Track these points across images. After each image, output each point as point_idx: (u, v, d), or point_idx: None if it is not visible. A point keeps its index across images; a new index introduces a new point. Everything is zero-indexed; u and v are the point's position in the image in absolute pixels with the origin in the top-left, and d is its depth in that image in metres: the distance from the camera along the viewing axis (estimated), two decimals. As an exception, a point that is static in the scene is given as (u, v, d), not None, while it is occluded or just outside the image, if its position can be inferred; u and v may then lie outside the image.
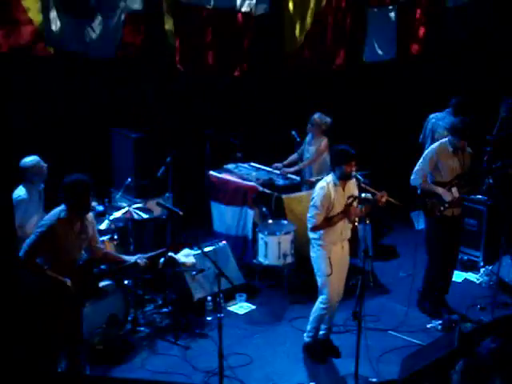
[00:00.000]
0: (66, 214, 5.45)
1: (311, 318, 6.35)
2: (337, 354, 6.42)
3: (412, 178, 7.01)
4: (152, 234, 7.61)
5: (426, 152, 7.06)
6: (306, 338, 6.46)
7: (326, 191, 6.02)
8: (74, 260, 5.59)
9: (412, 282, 7.71)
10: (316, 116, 8.14)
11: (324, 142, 8.17)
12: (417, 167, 7.01)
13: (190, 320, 7.00)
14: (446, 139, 6.98)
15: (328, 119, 8.16)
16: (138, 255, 6.07)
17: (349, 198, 6.09)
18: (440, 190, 6.90)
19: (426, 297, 7.25)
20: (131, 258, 6.04)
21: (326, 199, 6.00)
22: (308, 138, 8.29)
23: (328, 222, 6.04)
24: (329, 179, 6.10)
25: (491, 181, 7.23)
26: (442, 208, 6.91)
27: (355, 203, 6.09)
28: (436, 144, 7.06)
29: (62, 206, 5.48)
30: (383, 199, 6.04)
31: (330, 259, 6.10)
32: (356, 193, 6.20)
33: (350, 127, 9.52)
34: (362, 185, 6.15)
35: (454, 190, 6.94)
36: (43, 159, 6.68)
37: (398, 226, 8.94)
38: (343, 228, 6.16)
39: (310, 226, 6.12)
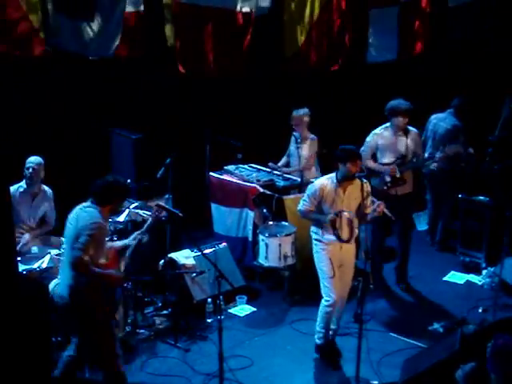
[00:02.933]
0: (101, 214, 5.29)
1: (318, 319, 6.31)
2: (338, 356, 6.38)
3: None
4: (152, 236, 7.56)
5: (368, 135, 7.47)
6: (316, 339, 6.40)
7: (319, 187, 6.06)
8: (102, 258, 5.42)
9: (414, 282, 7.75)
10: (293, 113, 8.12)
11: (315, 141, 8.17)
12: (362, 147, 7.37)
13: (190, 322, 6.97)
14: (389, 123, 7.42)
15: (305, 109, 8.13)
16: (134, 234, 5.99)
17: (339, 212, 6.03)
18: (380, 167, 7.36)
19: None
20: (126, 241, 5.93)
21: (316, 195, 6.07)
22: (295, 138, 8.16)
23: (307, 216, 6.21)
24: (330, 177, 6.10)
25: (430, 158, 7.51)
26: (384, 187, 7.26)
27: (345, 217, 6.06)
28: (378, 128, 7.46)
29: (95, 207, 5.29)
30: (379, 209, 6.05)
31: (323, 257, 6.09)
32: (358, 196, 6.10)
33: (350, 128, 9.51)
34: (365, 191, 6.10)
35: (395, 168, 7.30)
36: (43, 160, 6.71)
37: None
38: (339, 229, 6.08)
39: (298, 207, 6.29)
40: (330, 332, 6.38)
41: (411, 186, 7.51)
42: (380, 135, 7.42)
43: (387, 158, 7.38)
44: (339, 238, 6.06)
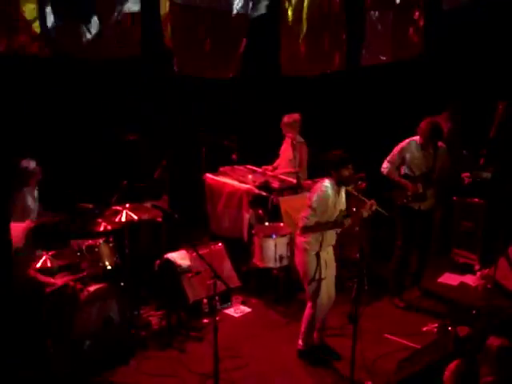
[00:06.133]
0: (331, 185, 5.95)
1: (304, 324, 6.34)
2: (337, 357, 6.41)
3: (383, 166, 7.36)
4: (147, 237, 7.60)
5: (397, 145, 7.35)
6: (300, 343, 6.43)
7: (326, 195, 5.99)
8: None
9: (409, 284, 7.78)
10: (284, 118, 8.20)
11: (304, 144, 8.23)
12: (388, 158, 7.35)
13: (185, 322, 7.00)
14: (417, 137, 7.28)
15: (295, 114, 8.19)
16: None
17: (341, 211, 6.10)
18: (403, 181, 7.28)
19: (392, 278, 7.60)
20: None
21: (324, 203, 5.99)
22: (292, 141, 8.19)
23: (318, 227, 6.04)
24: (329, 183, 6.07)
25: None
26: (404, 200, 7.23)
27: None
28: (407, 139, 7.34)
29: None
30: (373, 207, 6.07)
31: (312, 263, 6.09)
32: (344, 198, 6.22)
33: (346, 130, 9.53)
34: (354, 192, 6.18)
35: (419, 185, 7.24)
36: (38, 161, 6.71)
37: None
38: (330, 234, 6.17)
39: (301, 225, 6.08)
40: (316, 333, 6.44)
41: (434, 201, 7.43)
42: (408, 149, 7.26)
43: (413, 172, 7.26)
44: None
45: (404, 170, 7.33)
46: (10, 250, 5.07)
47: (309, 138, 8.43)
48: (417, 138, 7.25)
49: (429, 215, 7.44)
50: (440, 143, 7.33)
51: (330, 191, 6.01)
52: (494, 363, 4.43)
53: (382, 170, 7.34)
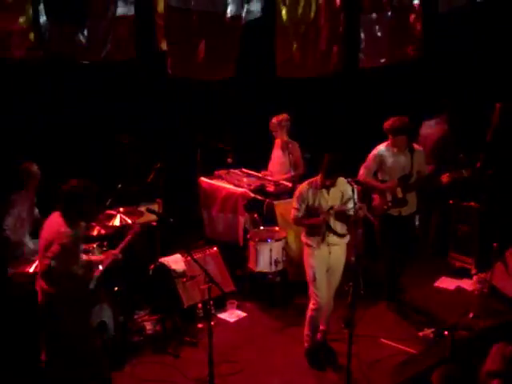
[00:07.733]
0: None
1: (306, 325, 6.37)
2: (334, 359, 6.40)
3: (360, 173, 7.19)
4: (142, 241, 7.55)
5: (373, 150, 7.19)
6: (305, 343, 6.46)
7: (302, 191, 6.16)
8: None
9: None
10: (273, 119, 8.14)
11: (296, 147, 8.15)
12: (364, 164, 7.19)
13: (180, 327, 6.95)
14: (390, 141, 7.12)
15: (284, 115, 8.13)
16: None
17: (329, 209, 6.10)
18: (382, 186, 7.11)
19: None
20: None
21: (300, 199, 6.16)
22: (286, 144, 8.15)
23: (303, 222, 6.23)
24: (311, 180, 6.18)
25: None
26: (385, 207, 7.05)
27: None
28: (383, 143, 7.17)
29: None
30: (360, 212, 6.05)
31: (310, 262, 6.15)
32: (345, 195, 6.17)
33: (343, 132, 9.52)
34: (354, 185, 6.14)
35: (398, 189, 7.06)
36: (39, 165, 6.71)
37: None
38: (327, 233, 6.14)
39: (291, 216, 6.33)
40: (319, 334, 6.44)
41: (415, 205, 7.26)
42: (384, 153, 7.09)
43: (391, 177, 7.10)
44: (336, 234, 6.15)
45: (381, 175, 7.20)
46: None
47: (308, 139, 8.40)
48: (389, 141, 7.11)
49: (409, 220, 7.31)
50: (416, 146, 7.26)
51: (311, 189, 6.12)
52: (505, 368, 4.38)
53: (359, 176, 7.16)
